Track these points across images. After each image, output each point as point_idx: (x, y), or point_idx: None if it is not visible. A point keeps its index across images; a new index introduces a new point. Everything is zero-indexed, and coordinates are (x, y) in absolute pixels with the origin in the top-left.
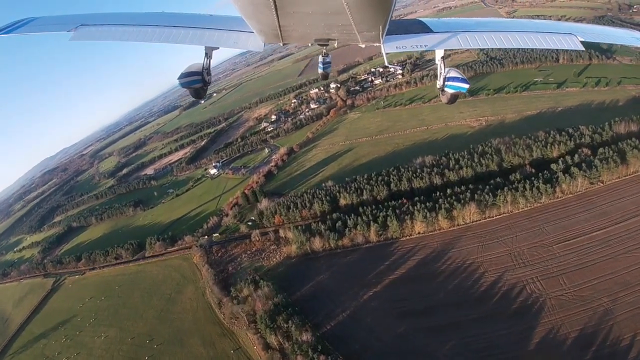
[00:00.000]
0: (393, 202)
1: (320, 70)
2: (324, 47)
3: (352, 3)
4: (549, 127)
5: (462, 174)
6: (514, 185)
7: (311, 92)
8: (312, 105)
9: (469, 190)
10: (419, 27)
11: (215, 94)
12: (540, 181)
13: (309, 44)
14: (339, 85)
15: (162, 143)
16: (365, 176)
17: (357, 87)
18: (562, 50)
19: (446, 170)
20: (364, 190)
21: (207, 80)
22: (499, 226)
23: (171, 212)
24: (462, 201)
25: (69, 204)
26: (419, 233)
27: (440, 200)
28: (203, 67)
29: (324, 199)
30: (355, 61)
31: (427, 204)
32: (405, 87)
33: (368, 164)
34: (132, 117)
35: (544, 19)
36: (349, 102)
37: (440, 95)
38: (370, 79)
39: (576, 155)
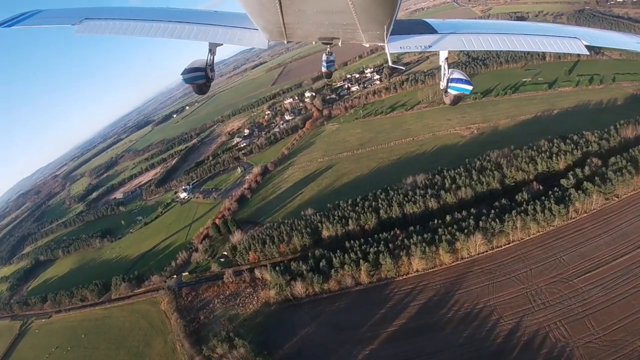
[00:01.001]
0: (384, 233)
1: (324, 69)
2: (328, 46)
3: (357, 2)
4: (549, 134)
5: (461, 195)
6: (522, 208)
7: (285, 102)
8: (287, 117)
9: (471, 217)
10: (423, 28)
11: (187, 107)
12: (552, 201)
13: (313, 42)
14: (314, 94)
15: (133, 162)
16: (350, 201)
17: (334, 96)
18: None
19: (442, 192)
20: (349, 219)
21: (211, 76)
22: (510, 258)
23: (139, 243)
24: (466, 230)
25: (39, 233)
26: (417, 271)
27: (439, 230)
28: (207, 63)
29: (303, 230)
30: None
31: (425, 235)
32: (385, 93)
33: (351, 184)
34: (107, 133)
35: (521, 15)
36: (325, 112)
37: (444, 96)
38: (346, 85)
39: (586, 167)
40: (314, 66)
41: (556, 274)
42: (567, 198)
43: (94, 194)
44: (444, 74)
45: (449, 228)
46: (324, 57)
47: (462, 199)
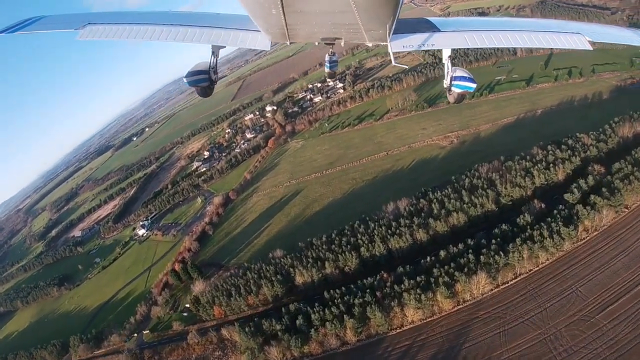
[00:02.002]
0: (369, 278)
1: (327, 70)
2: (331, 46)
3: (360, 2)
4: (538, 138)
5: (453, 221)
6: (527, 234)
7: (246, 118)
8: (248, 135)
9: (470, 250)
10: (426, 26)
11: (147, 129)
12: (560, 222)
13: (316, 43)
14: (275, 108)
15: (92, 193)
16: (324, 238)
17: (296, 108)
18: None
19: (430, 220)
20: (326, 261)
21: (214, 78)
22: (520, 297)
23: (97, 291)
24: (465, 268)
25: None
26: (413, 322)
27: (434, 270)
28: (210, 65)
29: (273, 278)
30: (290, 78)
31: (417, 278)
32: (350, 102)
33: (323, 213)
34: (70, 160)
35: (482, 10)
36: (288, 127)
37: (447, 94)
38: (309, 97)
39: (589, 176)
40: (273, 77)
41: (575, 311)
42: (575, 217)
43: (54, 232)
44: (447, 72)
45: (446, 267)
46: (327, 58)
47: (455, 226)
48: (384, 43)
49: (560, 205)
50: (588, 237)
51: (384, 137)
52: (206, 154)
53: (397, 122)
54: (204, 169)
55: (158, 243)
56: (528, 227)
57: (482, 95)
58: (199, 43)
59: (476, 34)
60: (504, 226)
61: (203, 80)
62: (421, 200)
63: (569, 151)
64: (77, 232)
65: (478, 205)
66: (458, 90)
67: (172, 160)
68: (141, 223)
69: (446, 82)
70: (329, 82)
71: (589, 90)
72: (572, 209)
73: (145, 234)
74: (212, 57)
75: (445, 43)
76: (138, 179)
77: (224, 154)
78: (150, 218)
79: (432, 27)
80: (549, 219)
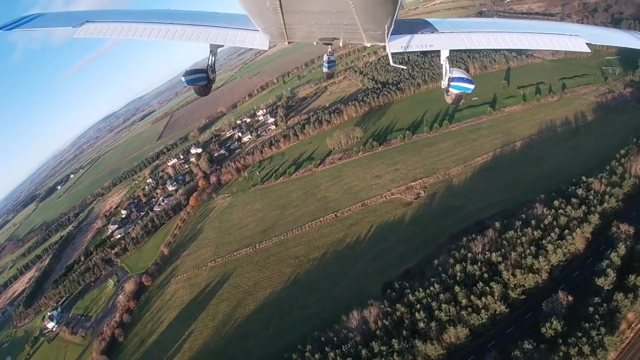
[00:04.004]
0: None
1: (325, 70)
2: (329, 46)
3: (358, 2)
4: (530, 185)
5: (449, 338)
6: (560, 354)
7: (169, 163)
8: (169, 187)
9: None
10: (425, 27)
11: (72, 175)
12: (601, 327)
13: (314, 43)
14: (200, 151)
15: (12, 258)
16: None
17: (223, 151)
18: (473, 58)
19: (417, 340)
20: None
21: (212, 78)
22: None
23: None
24: None
25: None
26: None
27: None
28: (208, 64)
29: None
30: (218, 112)
31: None
32: (284, 142)
33: (260, 317)
34: None
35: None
36: (213, 179)
37: (445, 95)
38: (237, 135)
39: (618, 243)
40: (202, 112)
41: None
42: (618, 313)
43: None
44: (445, 73)
45: None
46: (325, 58)
47: (452, 344)
48: (382, 43)
49: (596, 298)
50: (629, 336)
51: (329, 189)
52: (123, 212)
53: (343, 168)
54: (119, 235)
55: (67, 345)
56: (548, 333)
57: (441, 126)
58: (197, 42)
59: (474, 35)
60: (526, 344)
61: (201, 80)
62: (397, 305)
63: (583, 207)
64: None
65: (481, 308)
66: (456, 91)
67: (90, 218)
68: (49, 314)
69: (444, 83)
70: (259, 116)
71: (568, 110)
72: (610, 299)
73: (54, 329)
74: (211, 56)
75: (443, 44)
76: (54, 242)
77: (142, 213)
78: (60, 305)
79: (430, 28)
80: (585, 322)
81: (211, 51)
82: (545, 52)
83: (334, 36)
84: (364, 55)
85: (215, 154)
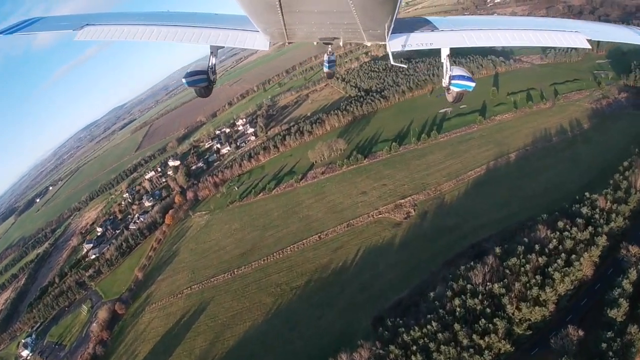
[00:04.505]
0: None
1: (325, 69)
2: (329, 46)
3: (358, 2)
4: (528, 201)
5: None
6: None
7: (146, 177)
8: (146, 203)
9: None
10: (425, 25)
11: (51, 187)
12: None
13: (314, 42)
14: (177, 163)
15: None
16: None
17: (201, 163)
18: (459, 63)
19: None
20: None
21: (213, 79)
22: None
23: None
24: None
25: None
26: None
27: None
28: (208, 66)
29: None
30: (198, 121)
31: None
32: (264, 155)
33: (241, 352)
34: None
35: None
36: (190, 194)
37: (446, 93)
38: (215, 147)
39: (631, 270)
40: (181, 121)
41: None
42: (632, 347)
43: None
44: (446, 71)
45: None
46: (325, 58)
47: None
48: (383, 42)
49: (608, 332)
50: None
51: (312, 207)
52: (99, 230)
53: (326, 183)
54: (93, 255)
55: None
56: None
57: (429, 136)
58: (197, 43)
59: (475, 33)
60: None
61: (202, 81)
62: (390, 346)
63: (589, 227)
64: None
65: (484, 348)
66: (457, 89)
67: (67, 235)
68: (24, 341)
69: (445, 81)
70: (239, 125)
71: (562, 118)
72: (623, 332)
73: (29, 357)
74: (211, 58)
75: (444, 42)
76: (31, 261)
77: (117, 231)
78: (35, 331)
79: (430, 26)
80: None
81: (211, 52)
82: (534, 57)
83: (334, 36)
84: (346, 62)
85: (193, 167)
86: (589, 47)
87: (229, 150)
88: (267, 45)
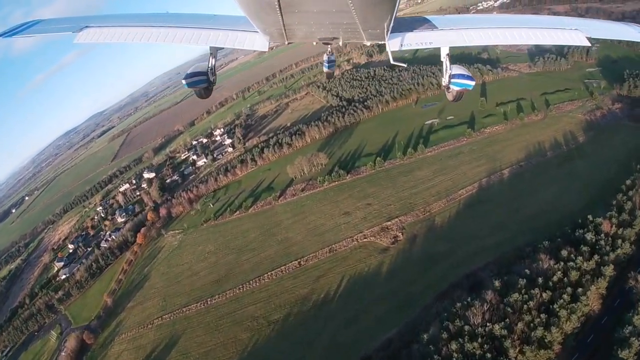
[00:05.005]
0: None
1: (325, 69)
2: (329, 46)
3: (357, 2)
4: (525, 223)
5: None
6: None
7: (121, 189)
8: (118, 219)
9: None
10: (424, 24)
11: (27, 198)
12: None
13: (314, 43)
14: (152, 176)
15: None
16: None
17: (176, 177)
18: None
19: None
20: None
21: (213, 80)
22: None
23: None
24: None
25: None
26: None
27: None
28: (208, 67)
29: None
30: (175, 130)
31: None
32: (241, 168)
33: None
34: None
35: None
36: (162, 211)
37: (446, 92)
38: (191, 158)
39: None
40: (159, 129)
41: None
42: None
43: None
44: (446, 70)
45: None
46: (325, 58)
47: None
48: (382, 42)
49: None
50: None
51: (291, 229)
52: (70, 247)
53: (306, 201)
54: (64, 275)
55: None
56: None
57: (416, 150)
58: (197, 44)
59: (474, 32)
60: None
61: (201, 82)
62: None
63: (595, 256)
64: None
65: None
66: (457, 88)
67: (40, 250)
68: None
69: (445, 81)
70: (216, 135)
71: (556, 130)
72: None
73: None
74: (211, 59)
75: (443, 41)
76: (3, 278)
77: (89, 248)
78: (5, 356)
79: (430, 26)
80: None
81: (211, 53)
82: (522, 65)
83: (333, 36)
84: None
85: (168, 180)
86: (589, 44)
87: (205, 162)
88: (267, 46)
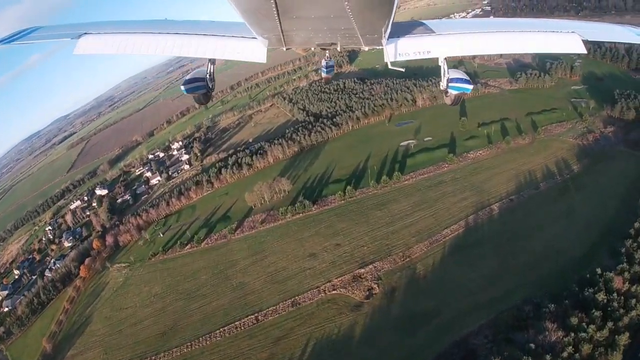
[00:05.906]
0: None
1: (323, 74)
2: (327, 51)
3: (354, 7)
4: (521, 273)
5: None
6: None
7: (72, 206)
8: (65, 243)
9: None
10: (421, 29)
11: None
12: None
13: (312, 48)
14: (104, 193)
15: None
16: None
17: (128, 196)
18: (420, 86)
19: None
20: None
21: (211, 86)
22: None
23: None
24: None
25: None
26: None
27: None
28: (207, 73)
29: None
30: (133, 141)
31: None
32: (195, 190)
33: None
34: None
35: None
36: (109, 238)
37: (444, 96)
38: (145, 176)
39: None
40: (117, 138)
41: None
42: None
43: None
44: (444, 74)
45: None
46: (323, 63)
47: None
48: (380, 47)
49: None
50: None
51: (248, 272)
52: (16, 273)
53: (266, 236)
54: (7, 308)
55: None
56: None
57: (391, 178)
58: (195, 55)
59: (472, 37)
60: None
61: (200, 88)
62: None
63: (609, 323)
64: None
65: None
66: (455, 92)
67: None
68: None
69: (443, 85)
70: (174, 149)
71: (547, 157)
72: None
73: None
74: (209, 65)
75: (441, 47)
76: None
77: (34, 276)
78: None
79: (427, 30)
80: None
81: (210, 60)
82: (502, 80)
83: (331, 41)
84: (294, 79)
85: (119, 200)
86: (585, 51)
87: (159, 180)
88: (264, 56)
